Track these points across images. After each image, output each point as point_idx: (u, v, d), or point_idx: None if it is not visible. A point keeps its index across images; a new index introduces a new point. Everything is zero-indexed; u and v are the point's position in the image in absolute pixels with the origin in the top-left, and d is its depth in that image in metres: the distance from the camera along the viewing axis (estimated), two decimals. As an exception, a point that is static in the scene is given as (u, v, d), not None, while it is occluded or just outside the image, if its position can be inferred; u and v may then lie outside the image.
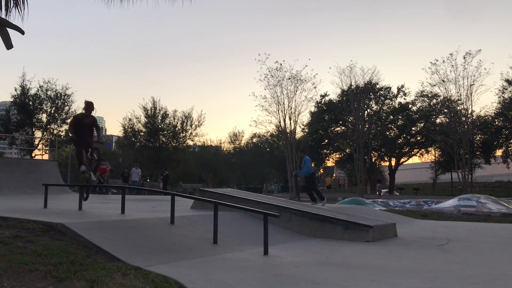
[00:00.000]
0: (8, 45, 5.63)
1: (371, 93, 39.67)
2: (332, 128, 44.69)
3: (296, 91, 32.35)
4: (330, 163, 52.87)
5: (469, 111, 32.59)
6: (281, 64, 32.46)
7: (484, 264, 5.64)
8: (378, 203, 17.66)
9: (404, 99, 41.46)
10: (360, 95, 35.59)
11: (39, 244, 4.90)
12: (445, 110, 34.18)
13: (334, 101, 41.38)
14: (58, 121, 35.83)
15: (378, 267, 5.26)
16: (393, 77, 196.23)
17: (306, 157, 12.45)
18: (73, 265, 4.31)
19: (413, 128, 42.20)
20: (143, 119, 42.60)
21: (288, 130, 33.28)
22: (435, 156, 43.99)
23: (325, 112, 42.91)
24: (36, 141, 35.82)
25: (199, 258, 5.42)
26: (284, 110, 32.60)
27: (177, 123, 42.97)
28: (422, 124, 41.03)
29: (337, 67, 49.92)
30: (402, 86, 41.38)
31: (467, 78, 30.97)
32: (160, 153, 42.19)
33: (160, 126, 42.49)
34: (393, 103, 41.99)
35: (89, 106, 8.51)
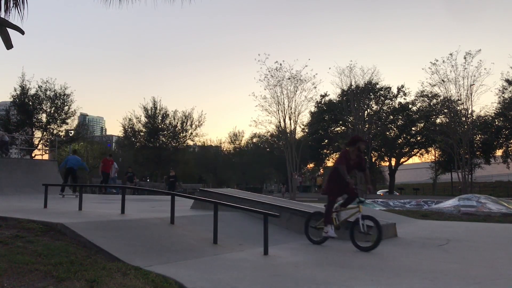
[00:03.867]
0: (8, 45, 5.62)
1: (371, 93, 39.69)
2: (332, 128, 44.71)
3: (296, 91, 32.38)
4: (330, 163, 52.84)
5: (469, 111, 32.62)
6: (281, 64, 32.53)
7: (484, 264, 5.64)
8: (378, 203, 17.67)
9: (404, 99, 41.52)
10: (360, 95, 35.60)
11: (39, 244, 4.90)
12: (445, 110, 34.20)
13: (334, 101, 41.40)
14: (58, 121, 35.84)
15: (378, 267, 5.26)
16: (393, 77, 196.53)
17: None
18: (73, 265, 4.31)
19: (413, 128, 42.20)
20: (143, 119, 42.68)
21: (288, 130, 33.29)
22: (435, 156, 43.99)
23: (325, 112, 42.93)
24: (36, 141, 35.83)
25: (199, 258, 5.41)
26: (284, 110, 32.63)
27: (177, 123, 43.01)
28: (422, 124, 41.02)
29: (337, 67, 50.10)
30: (402, 86, 41.43)
31: (467, 78, 31.00)
32: (160, 153, 42.20)
33: (160, 126, 42.51)
34: (393, 103, 42.03)
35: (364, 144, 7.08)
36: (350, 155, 6.76)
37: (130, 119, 42.72)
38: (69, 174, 14.64)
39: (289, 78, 32.20)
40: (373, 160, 43.25)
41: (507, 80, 35.40)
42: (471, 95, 31.33)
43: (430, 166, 47.23)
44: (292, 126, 33.30)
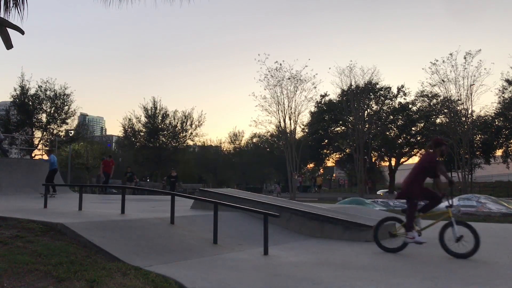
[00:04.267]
0: (8, 45, 5.62)
1: (371, 93, 39.65)
2: (332, 128, 44.65)
3: (296, 91, 32.40)
4: (330, 163, 52.83)
5: (469, 111, 32.64)
6: (280, 64, 32.53)
7: (484, 264, 5.64)
8: (378, 203, 17.68)
9: (404, 99, 41.45)
10: (360, 95, 35.61)
11: (39, 244, 4.89)
12: (445, 110, 34.21)
13: (334, 101, 41.36)
14: (58, 121, 35.82)
15: (378, 267, 5.26)
16: (393, 77, 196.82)
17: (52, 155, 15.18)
18: (73, 265, 4.31)
19: (413, 128, 42.17)
20: (143, 119, 42.65)
21: (288, 130, 33.30)
22: (435, 156, 43.92)
23: (325, 112, 42.88)
24: (36, 141, 35.81)
25: (199, 258, 5.42)
26: (284, 110, 32.64)
27: (177, 123, 42.99)
28: (422, 124, 40.99)
29: (337, 67, 50.07)
30: (402, 86, 41.35)
31: (467, 78, 31.02)
32: (160, 153, 42.18)
33: (160, 126, 42.50)
34: (393, 103, 41.96)
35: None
36: (435, 162, 6.54)
37: (130, 119, 42.72)
38: (54, 174, 14.72)
39: (289, 78, 32.23)
40: (373, 160, 43.25)
41: (507, 80, 35.37)
42: (471, 95, 31.37)
43: (430, 166, 47.19)
44: (292, 126, 33.34)
